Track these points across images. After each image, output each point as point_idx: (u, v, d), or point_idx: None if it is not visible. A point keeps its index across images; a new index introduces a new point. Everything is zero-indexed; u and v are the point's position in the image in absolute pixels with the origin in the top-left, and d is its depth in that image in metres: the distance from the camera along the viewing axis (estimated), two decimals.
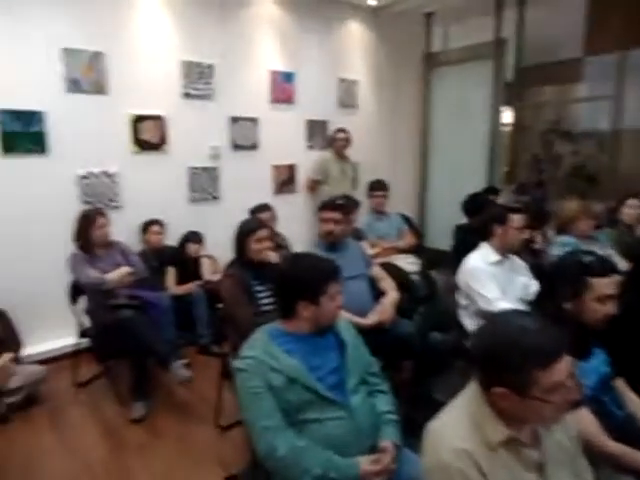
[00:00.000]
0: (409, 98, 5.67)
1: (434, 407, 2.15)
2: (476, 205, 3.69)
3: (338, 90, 5.02)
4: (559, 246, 2.98)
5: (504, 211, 2.52)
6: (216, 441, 2.54)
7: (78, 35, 3.40)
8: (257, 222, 2.65)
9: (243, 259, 2.43)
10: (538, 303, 1.62)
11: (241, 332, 2.23)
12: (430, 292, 3.52)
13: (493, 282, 2.40)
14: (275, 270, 2.45)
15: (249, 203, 3.91)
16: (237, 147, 4.30)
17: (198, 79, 3.98)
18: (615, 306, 1.47)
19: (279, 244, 3.38)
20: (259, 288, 2.36)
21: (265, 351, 1.49)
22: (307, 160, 4.77)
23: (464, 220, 4.42)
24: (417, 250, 4.14)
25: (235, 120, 4.25)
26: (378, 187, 3.97)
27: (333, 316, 1.59)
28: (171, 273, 3.75)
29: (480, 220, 2.66)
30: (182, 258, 3.80)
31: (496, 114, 5.01)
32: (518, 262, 2.63)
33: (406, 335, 2.44)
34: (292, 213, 4.53)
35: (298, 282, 1.56)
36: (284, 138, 4.63)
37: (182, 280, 3.73)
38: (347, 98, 5.10)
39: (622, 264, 3.01)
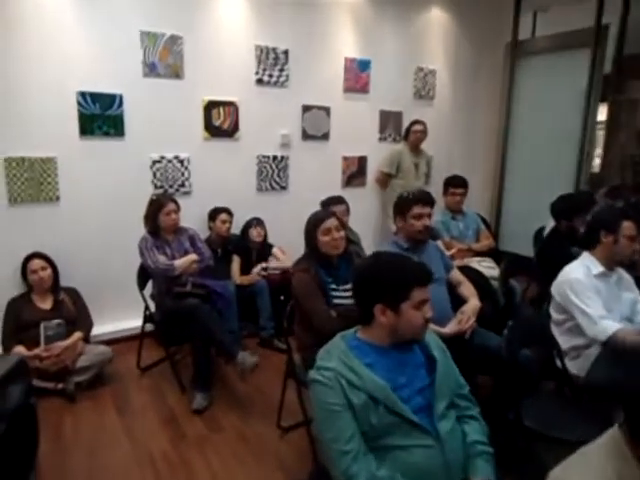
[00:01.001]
0: (490, 91, 5.29)
1: (524, 435, 1.94)
2: (568, 208, 3.34)
3: (415, 80, 4.75)
4: None
5: (615, 217, 2.20)
6: (277, 442, 2.43)
7: (155, 18, 3.37)
8: (326, 213, 2.48)
9: (315, 254, 2.27)
10: None
11: (316, 331, 2.10)
12: (509, 301, 3.23)
13: (598, 298, 2.10)
14: (351, 268, 2.33)
15: (317, 195, 3.77)
16: (308, 137, 4.17)
17: (272, 65, 3.87)
18: None
19: (350, 239, 3.21)
20: (333, 286, 2.20)
21: (344, 363, 1.32)
22: (378, 152, 4.56)
23: (546, 223, 4.08)
24: (493, 254, 3.84)
25: (307, 109, 4.12)
26: (457, 184, 3.69)
27: (417, 328, 1.38)
28: (236, 262, 3.69)
29: (585, 226, 2.35)
30: (245, 246, 3.73)
31: (592, 109, 4.54)
32: (625, 276, 2.30)
33: (493, 349, 2.19)
34: (360, 207, 4.34)
35: (376, 283, 1.38)
36: (356, 129, 4.45)
37: (246, 269, 3.66)
38: (424, 88, 4.82)
39: None
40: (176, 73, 3.49)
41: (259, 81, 3.84)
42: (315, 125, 4.19)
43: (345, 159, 4.44)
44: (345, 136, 4.37)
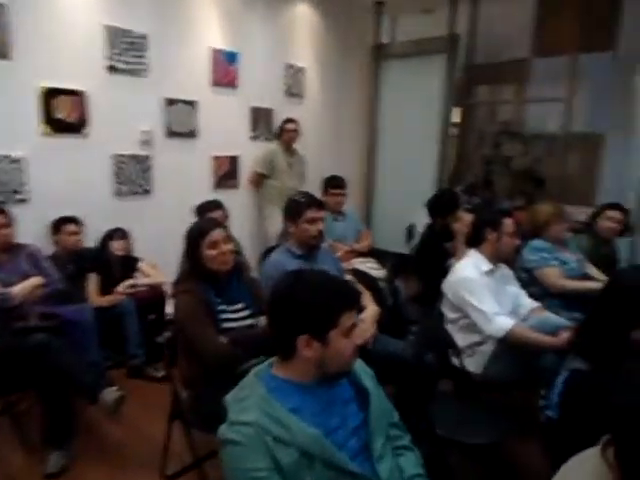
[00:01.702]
0: (357, 91, 5.38)
1: (440, 446, 1.88)
2: (442, 206, 3.47)
3: (285, 77, 4.59)
4: (532, 250, 2.82)
5: (498, 215, 2.28)
6: None
7: None
8: (211, 222, 2.16)
9: (198, 270, 1.93)
10: (586, 328, 1.35)
11: (204, 362, 1.79)
12: (395, 302, 3.25)
13: (490, 295, 2.14)
14: (248, 284, 2.05)
15: (186, 199, 3.40)
16: (173, 134, 3.72)
17: (127, 51, 3.35)
18: None
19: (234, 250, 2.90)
20: (222, 307, 1.90)
21: (267, 414, 1.06)
22: (251, 152, 4.30)
23: (415, 220, 4.25)
24: (372, 253, 3.86)
25: (171, 102, 3.67)
26: (337, 184, 3.61)
27: (347, 359, 1.16)
28: (93, 281, 3.11)
29: (472, 224, 2.40)
30: (105, 261, 3.17)
31: (447, 112, 4.87)
32: (507, 271, 2.41)
33: (395, 355, 2.11)
34: (235, 211, 4.02)
35: (299, 309, 1.12)
36: (226, 126, 4.12)
37: (106, 289, 3.11)
38: (294, 86, 4.69)
39: (593, 271, 2.93)
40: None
41: (112, 68, 3.30)
42: (180, 121, 3.76)
43: (216, 159, 4.09)
44: (215, 134, 4.02)
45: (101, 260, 3.16)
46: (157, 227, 3.60)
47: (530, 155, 4.54)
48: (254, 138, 4.38)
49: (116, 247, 3.17)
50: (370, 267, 3.49)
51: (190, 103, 3.80)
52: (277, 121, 4.44)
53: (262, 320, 2.02)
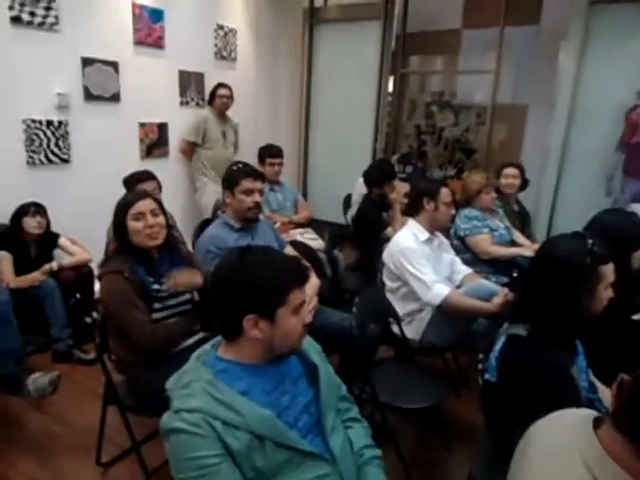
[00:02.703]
0: (292, 57, 5.21)
1: (378, 409, 1.93)
2: (379, 176, 3.48)
3: (215, 38, 4.33)
4: (464, 218, 2.92)
5: (435, 185, 2.31)
6: None
7: None
8: (137, 193, 2.01)
9: (127, 248, 1.79)
10: (528, 303, 1.40)
11: (140, 348, 1.70)
12: (334, 271, 3.26)
13: (428, 263, 2.19)
14: (183, 260, 1.93)
15: (112, 169, 3.16)
16: (92, 97, 3.40)
17: (34, 1, 2.98)
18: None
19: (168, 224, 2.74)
20: (156, 287, 1.78)
21: (214, 399, 1.00)
22: (181, 118, 4.06)
23: (352, 190, 4.26)
24: (310, 224, 3.83)
25: (89, 62, 3.34)
26: (274, 153, 3.49)
27: (296, 337, 1.12)
28: (6, 261, 2.83)
29: (408, 194, 2.42)
30: (19, 240, 2.89)
31: (383, 81, 4.86)
32: (443, 239, 2.48)
33: (337, 326, 2.13)
34: (166, 181, 3.78)
35: (245, 288, 1.06)
36: (152, 90, 3.84)
37: (24, 268, 2.84)
38: (225, 49, 4.44)
39: (520, 238, 3.10)
40: None
41: (16, 20, 2.92)
42: (101, 84, 3.44)
43: (142, 126, 3.81)
44: (140, 99, 3.74)
45: (14, 238, 2.87)
46: (79, 201, 3.33)
47: (460, 125, 4.67)
48: (184, 104, 4.13)
49: (31, 224, 2.88)
50: (309, 238, 3.47)
51: (111, 64, 3.48)
52: (208, 86, 4.20)
53: (197, 295, 1.94)
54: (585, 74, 3.98)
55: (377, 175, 3.48)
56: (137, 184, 2.71)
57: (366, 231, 3.40)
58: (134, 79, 3.65)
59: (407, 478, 1.89)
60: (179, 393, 1.03)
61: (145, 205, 1.79)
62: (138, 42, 3.64)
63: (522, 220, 3.30)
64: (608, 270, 1.29)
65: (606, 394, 1.47)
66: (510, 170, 3.23)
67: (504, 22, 4.49)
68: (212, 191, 3.83)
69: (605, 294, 1.30)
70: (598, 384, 1.51)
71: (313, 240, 3.39)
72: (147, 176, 2.86)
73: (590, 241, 1.30)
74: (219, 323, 1.12)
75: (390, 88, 5.22)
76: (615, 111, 3.84)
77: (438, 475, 2.08)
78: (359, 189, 4.15)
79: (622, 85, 3.83)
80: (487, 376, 1.43)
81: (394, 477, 1.87)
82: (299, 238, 3.31)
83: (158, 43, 3.80)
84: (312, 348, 1.24)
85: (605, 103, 3.91)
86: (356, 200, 3.98)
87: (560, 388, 1.26)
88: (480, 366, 1.55)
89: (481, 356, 1.56)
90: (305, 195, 5.48)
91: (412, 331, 2.25)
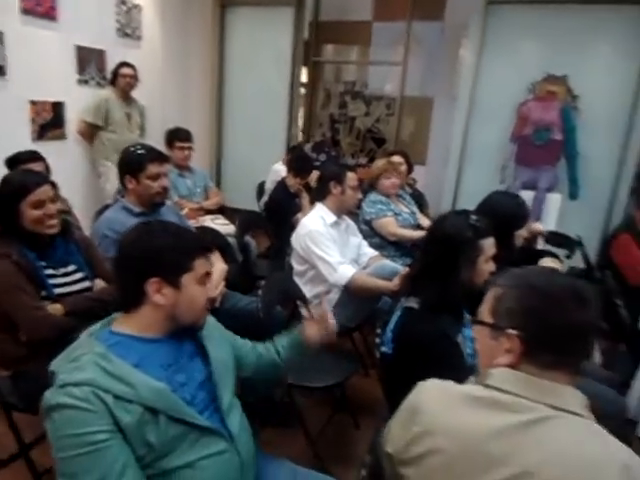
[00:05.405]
0: (201, 38, 5.02)
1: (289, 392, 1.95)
2: (298, 164, 3.51)
3: (117, 14, 4.06)
4: (369, 203, 3.01)
5: (342, 169, 2.35)
6: None
7: None
8: (35, 178, 1.82)
9: (14, 231, 1.64)
10: (421, 277, 1.47)
11: (27, 337, 1.57)
12: (245, 257, 3.23)
13: (334, 246, 2.24)
14: (79, 245, 1.80)
15: None
16: None
17: None
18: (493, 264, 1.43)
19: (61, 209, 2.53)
20: (50, 272, 1.65)
21: (105, 371, 0.95)
22: (80, 98, 3.76)
23: (266, 178, 4.24)
24: (223, 211, 3.76)
25: None
26: (183, 137, 3.35)
27: (200, 308, 1.11)
28: None
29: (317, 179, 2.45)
30: None
31: (296, 69, 4.85)
32: (351, 223, 2.54)
33: (245, 311, 2.11)
34: (63, 166, 3.52)
35: (149, 251, 1.06)
36: (45, 66, 3.52)
37: None
38: (128, 26, 4.18)
39: (425, 222, 3.26)
40: None
41: None
42: None
43: (33, 104, 3.49)
44: (30, 74, 3.41)
45: None
46: None
47: (372, 116, 4.81)
48: (82, 82, 3.83)
49: None
50: (219, 224, 3.40)
51: None
52: (111, 64, 3.94)
53: (98, 283, 1.84)
54: (484, 70, 4.25)
55: (305, 164, 3.50)
56: (21, 164, 2.46)
57: (278, 217, 3.40)
58: (22, 52, 3.32)
59: (314, 455, 1.93)
60: (66, 367, 0.96)
61: (45, 192, 1.66)
62: (25, 11, 3.31)
63: (417, 202, 3.48)
64: (488, 244, 1.39)
65: None
66: (395, 158, 3.44)
67: (411, 16, 4.67)
68: (117, 176, 3.60)
69: (486, 267, 1.41)
70: None
71: (224, 226, 3.32)
72: (32, 156, 2.60)
73: (473, 217, 1.40)
74: (121, 291, 1.10)
75: (304, 77, 5.24)
76: (510, 105, 4.14)
77: (345, 449, 2.15)
78: (273, 176, 4.13)
79: (515, 81, 4.15)
80: (384, 349, 1.50)
81: (301, 455, 1.91)
82: (209, 224, 3.22)
83: (50, 14, 3.49)
84: (213, 329, 1.22)
85: (501, 97, 4.21)
86: (270, 187, 3.97)
87: (449, 355, 1.35)
88: (378, 340, 1.62)
89: (379, 331, 1.63)
90: (219, 183, 5.36)
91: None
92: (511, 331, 0.82)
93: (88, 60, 3.85)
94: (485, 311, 0.90)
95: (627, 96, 3.88)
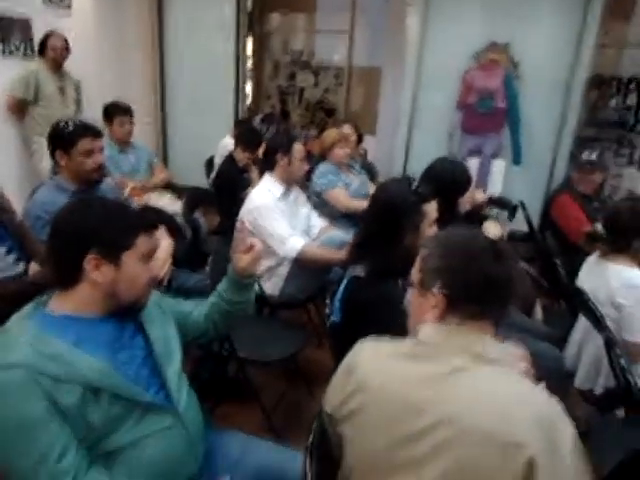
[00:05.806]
0: (139, 4, 4.74)
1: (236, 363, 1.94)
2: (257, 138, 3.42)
3: None
4: (320, 174, 2.99)
5: (288, 141, 2.31)
6: None
7: None
8: None
9: None
10: (366, 244, 1.48)
11: None
12: (195, 235, 3.15)
13: (283, 218, 2.21)
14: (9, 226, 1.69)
15: None
16: None
17: None
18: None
19: None
20: None
21: (39, 352, 0.91)
22: (4, 71, 3.48)
23: (214, 153, 4.12)
24: (170, 188, 3.63)
25: None
26: (122, 111, 3.17)
27: (142, 287, 1.07)
28: None
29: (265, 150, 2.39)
30: None
31: (241, 39, 4.67)
32: (300, 194, 2.52)
33: (194, 289, 2.06)
34: None
35: (86, 226, 1.01)
36: None
37: None
38: None
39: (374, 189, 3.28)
40: None
41: None
42: None
43: None
44: None
45: None
46: None
47: (320, 86, 4.74)
48: (6, 53, 3.54)
49: None
50: (166, 202, 3.29)
51: None
52: (38, 34, 3.65)
53: (33, 266, 1.74)
54: (429, 38, 4.25)
55: (253, 137, 3.41)
56: None
57: (227, 193, 3.32)
58: None
59: (269, 427, 1.94)
60: None
61: None
62: None
63: (367, 171, 3.51)
64: (430, 208, 1.41)
65: None
66: (345, 128, 3.42)
67: None
68: None
69: (429, 231, 1.43)
70: None
71: (171, 204, 3.21)
72: None
73: (416, 183, 1.41)
74: (56, 268, 1.04)
75: (250, 47, 5.07)
76: (456, 73, 4.17)
77: (300, 419, 2.18)
78: (221, 151, 4.02)
79: (461, 49, 4.18)
80: (333, 318, 1.51)
81: (259, 428, 1.92)
82: (156, 202, 3.11)
83: None
84: (153, 306, 1.18)
85: (447, 66, 4.23)
86: (219, 162, 3.86)
87: (392, 320, 1.37)
88: (327, 310, 1.62)
89: (328, 301, 1.64)
90: (166, 159, 5.17)
91: (272, 286, 2.28)
92: (435, 289, 0.86)
93: (11, 29, 3.55)
94: (415, 272, 0.93)
95: (566, 63, 4.00)
